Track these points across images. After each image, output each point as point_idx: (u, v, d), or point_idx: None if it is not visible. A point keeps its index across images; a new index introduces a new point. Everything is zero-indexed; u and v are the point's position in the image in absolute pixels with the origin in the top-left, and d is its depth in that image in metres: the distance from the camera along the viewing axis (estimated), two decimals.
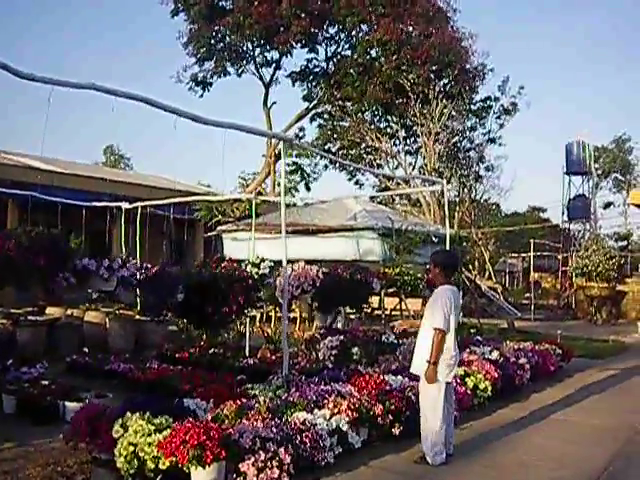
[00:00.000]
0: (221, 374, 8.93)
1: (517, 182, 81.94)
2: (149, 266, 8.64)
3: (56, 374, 9.09)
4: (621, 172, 55.04)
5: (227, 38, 27.16)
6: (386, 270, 12.62)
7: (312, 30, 25.80)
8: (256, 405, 6.12)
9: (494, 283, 28.88)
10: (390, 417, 6.70)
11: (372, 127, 29.88)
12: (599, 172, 51.50)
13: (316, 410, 6.31)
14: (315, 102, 29.28)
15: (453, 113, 26.73)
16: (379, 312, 15.43)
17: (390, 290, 13.09)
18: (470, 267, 28.03)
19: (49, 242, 7.10)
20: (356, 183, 35.81)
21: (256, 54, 28.63)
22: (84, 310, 13.22)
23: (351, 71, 26.86)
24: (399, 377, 7.87)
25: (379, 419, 6.56)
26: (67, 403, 7.39)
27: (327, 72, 28.81)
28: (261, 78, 29.40)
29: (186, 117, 6.62)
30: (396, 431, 6.71)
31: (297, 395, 6.69)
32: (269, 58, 28.88)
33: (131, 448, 5.21)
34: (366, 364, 9.97)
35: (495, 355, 10.19)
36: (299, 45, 27.30)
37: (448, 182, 29.53)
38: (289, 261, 9.29)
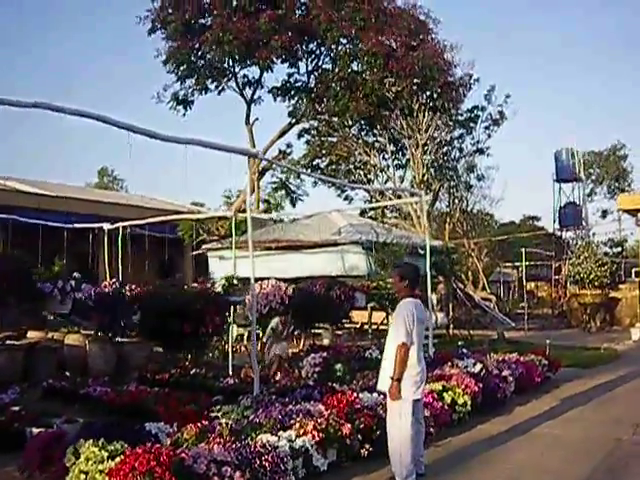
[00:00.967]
0: (199, 395, 8.75)
1: (510, 191, 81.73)
2: (108, 287, 8.44)
3: (31, 399, 8.90)
4: (616, 179, 54.93)
5: (208, 55, 26.98)
6: (369, 284, 12.49)
7: (292, 45, 25.64)
8: (217, 428, 5.92)
9: (488, 294, 28.76)
10: (360, 437, 6.50)
11: (360, 142, 29.80)
12: (592, 178, 51.49)
13: (282, 431, 6.11)
14: (298, 117, 29.08)
15: (439, 123, 26.64)
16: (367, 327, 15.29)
17: (372, 305, 12.95)
18: (463, 278, 27.96)
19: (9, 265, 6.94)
20: (345, 199, 35.69)
21: (237, 70, 28.52)
22: (65, 333, 13.06)
23: (333, 85, 26.71)
24: (374, 394, 7.66)
25: (347, 439, 6.34)
26: (34, 429, 7.17)
27: (308, 87, 28.67)
28: (242, 95, 29.28)
29: (142, 133, 6.47)
30: (365, 452, 6.50)
31: (263, 416, 6.49)
32: (250, 77, 28.85)
33: (82, 477, 5.03)
34: (348, 381, 9.79)
35: (478, 368, 10.00)
36: (279, 60, 27.12)
37: (437, 193, 29.57)
38: (269, 279, 9.21)
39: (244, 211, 23.41)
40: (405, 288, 6.10)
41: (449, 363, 10.15)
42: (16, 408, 7.91)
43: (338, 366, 11.21)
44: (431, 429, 7.36)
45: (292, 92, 28.57)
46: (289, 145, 33.11)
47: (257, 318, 8.64)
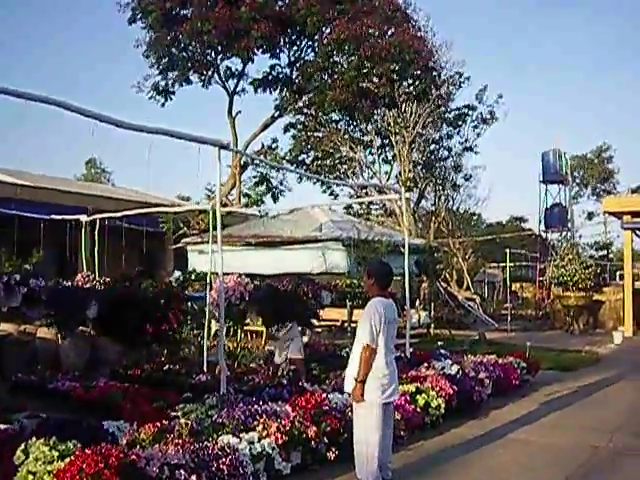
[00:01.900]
0: (168, 392, 8.53)
1: (497, 192, 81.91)
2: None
3: None
4: (601, 181, 55.04)
5: (189, 47, 26.57)
6: (337, 282, 12.28)
7: (273, 35, 25.09)
8: (176, 428, 5.70)
9: (472, 294, 28.63)
10: (326, 440, 6.29)
11: (346, 137, 29.55)
12: (577, 181, 51.53)
13: (244, 433, 5.89)
14: (280, 110, 28.69)
15: (427, 120, 26.44)
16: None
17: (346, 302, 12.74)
18: (447, 277, 27.85)
19: None
20: (331, 194, 35.32)
21: (218, 62, 28.00)
22: (38, 326, 12.78)
23: (314, 77, 26.34)
24: (345, 395, 7.43)
25: (313, 442, 6.13)
26: None
27: (290, 78, 28.26)
28: (225, 87, 28.84)
29: (108, 122, 6.22)
30: (332, 455, 6.28)
31: (226, 416, 6.27)
32: (233, 70, 28.41)
33: (30, 477, 4.79)
34: (322, 380, 9.58)
35: (455, 369, 9.82)
36: (260, 51, 26.65)
37: (423, 191, 29.44)
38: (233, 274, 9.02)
39: (225, 205, 23.30)
40: (373, 287, 5.85)
41: (425, 364, 9.96)
42: None
43: (313, 364, 11.05)
44: (402, 432, 7.17)
45: (274, 84, 28.13)
46: (275, 140, 32.86)
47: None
